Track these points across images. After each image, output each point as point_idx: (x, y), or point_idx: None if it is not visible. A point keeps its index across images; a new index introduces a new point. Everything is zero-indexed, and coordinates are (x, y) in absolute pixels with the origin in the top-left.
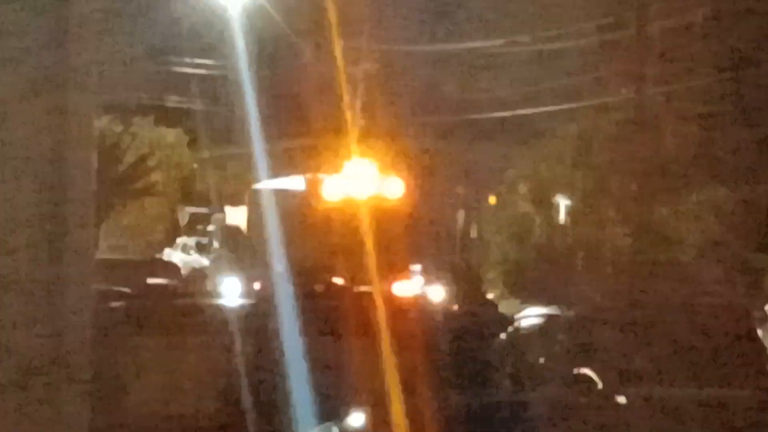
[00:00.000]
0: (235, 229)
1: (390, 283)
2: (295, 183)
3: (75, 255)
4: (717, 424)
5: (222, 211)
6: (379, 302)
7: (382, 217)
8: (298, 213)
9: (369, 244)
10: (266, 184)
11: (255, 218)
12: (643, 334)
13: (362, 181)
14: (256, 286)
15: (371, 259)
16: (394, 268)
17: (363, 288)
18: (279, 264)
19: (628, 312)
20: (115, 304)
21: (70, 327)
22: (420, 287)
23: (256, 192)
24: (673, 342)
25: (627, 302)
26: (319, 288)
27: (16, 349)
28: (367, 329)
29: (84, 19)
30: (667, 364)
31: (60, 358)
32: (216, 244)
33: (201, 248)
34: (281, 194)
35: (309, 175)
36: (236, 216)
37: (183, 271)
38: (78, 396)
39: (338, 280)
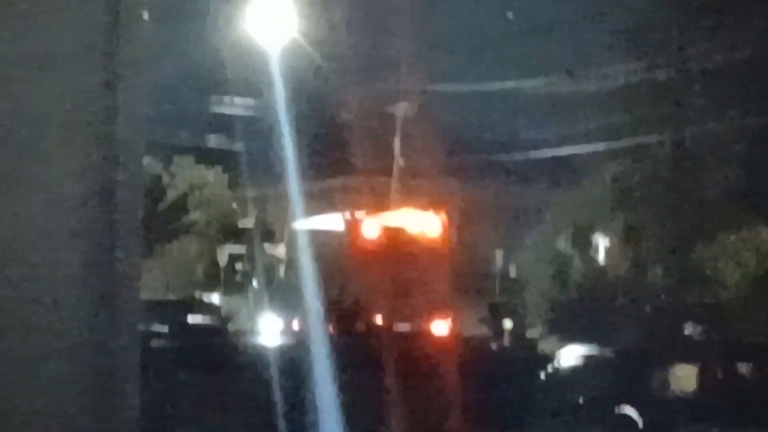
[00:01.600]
0: (274, 268)
1: (429, 323)
2: (334, 222)
3: (123, 296)
4: None
5: (261, 250)
6: (419, 342)
7: (421, 256)
8: (336, 252)
9: (408, 284)
10: (305, 223)
11: (294, 257)
12: (681, 373)
13: (401, 221)
14: (295, 325)
15: (410, 299)
16: (433, 308)
17: (402, 327)
18: (318, 303)
19: (667, 352)
20: (155, 343)
21: (119, 369)
22: (459, 327)
23: (296, 231)
24: (712, 382)
25: (666, 342)
26: (358, 327)
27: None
28: (406, 368)
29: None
30: (707, 404)
31: (107, 401)
32: (255, 284)
33: (240, 287)
34: (320, 233)
35: (348, 215)
36: (275, 255)
37: (223, 311)
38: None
39: (377, 320)
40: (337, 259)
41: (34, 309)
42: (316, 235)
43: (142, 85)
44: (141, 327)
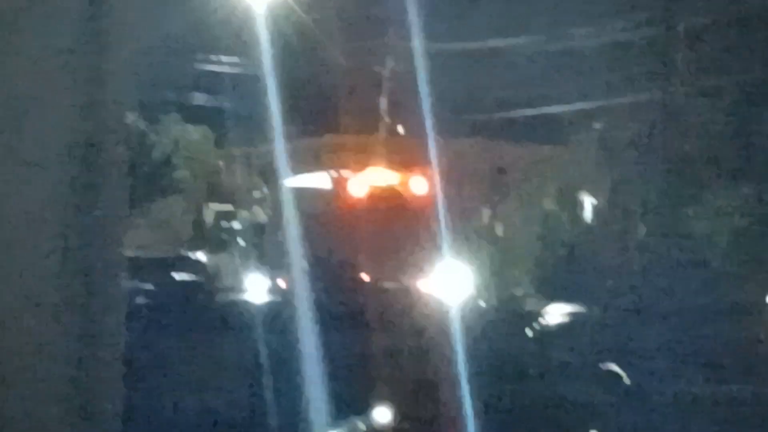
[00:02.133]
0: (261, 227)
1: (415, 280)
2: (320, 180)
3: (106, 252)
4: (737, 420)
5: (247, 208)
6: (404, 298)
7: (407, 214)
8: (323, 210)
9: (394, 241)
10: (291, 182)
11: (280, 215)
12: (667, 332)
13: (387, 179)
14: (281, 283)
15: (396, 257)
16: (418, 265)
17: (388, 284)
18: (304, 261)
19: (651, 310)
20: (140, 300)
21: (101, 324)
22: (445, 284)
23: (282, 189)
24: (697, 340)
25: (651, 301)
26: (344, 285)
27: (47, 349)
28: (392, 325)
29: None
30: (691, 362)
31: (90, 357)
32: (241, 242)
33: (226, 245)
34: (306, 191)
35: (334, 173)
36: (261, 213)
37: (209, 269)
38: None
39: (364, 277)
40: (324, 217)
41: (14, 269)
42: (302, 193)
43: (126, 41)
44: (126, 284)
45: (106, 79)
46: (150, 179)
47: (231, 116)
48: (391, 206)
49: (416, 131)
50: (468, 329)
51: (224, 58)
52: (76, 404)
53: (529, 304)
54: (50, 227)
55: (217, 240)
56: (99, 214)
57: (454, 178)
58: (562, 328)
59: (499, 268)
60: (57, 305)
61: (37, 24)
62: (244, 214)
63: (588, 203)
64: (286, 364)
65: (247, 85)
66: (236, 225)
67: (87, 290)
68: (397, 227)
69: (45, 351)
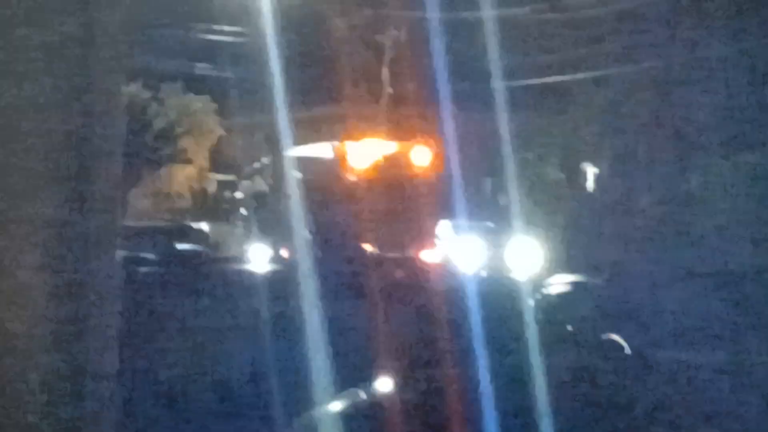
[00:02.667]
0: (263, 196)
1: (417, 250)
2: (322, 150)
3: (101, 223)
4: (740, 389)
5: (250, 178)
6: (407, 269)
7: (409, 184)
8: (325, 180)
9: (396, 211)
10: (294, 152)
11: (282, 185)
12: (671, 300)
13: (389, 149)
14: (283, 252)
15: (399, 227)
16: (421, 235)
17: (390, 254)
18: (306, 231)
19: (655, 278)
20: (143, 269)
21: (96, 295)
22: (448, 253)
23: (284, 159)
24: (702, 308)
25: (655, 269)
26: (346, 255)
27: (43, 316)
28: (394, 295)
29: None
30: (696, 331)
31: (87, 329)
32: (244, 211)
33: (229, 215)
34: (309, 161)
35: (337, 143)
36: (264, 183)
37: (211, 239)
38: (106, 362)
39: (366, 247)
40: (326, 187)
41: (8, 239)
42: (304, 163)
43: (120, 7)
44: (128, 253)
45: (96, 47)
46: (152, 149)
47: (233, 86)
48: (393, 176)
49: (418, 101)
50: (470, 299)
51: (227, 28)
52: (73, 367)
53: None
54: (44, 198)
55: (219, 210)
56: (94, 186)
57: (456, 148)
58: (564, 298)
59: (501, 237)
60: (53, 275)
61: None
62: (246, 184)
63: (591, 172)
64: (288, 333)
65: (250, 54)
66: (239, 195)
67: (83, 261)
68: (400, 197)
69: (40, 322)
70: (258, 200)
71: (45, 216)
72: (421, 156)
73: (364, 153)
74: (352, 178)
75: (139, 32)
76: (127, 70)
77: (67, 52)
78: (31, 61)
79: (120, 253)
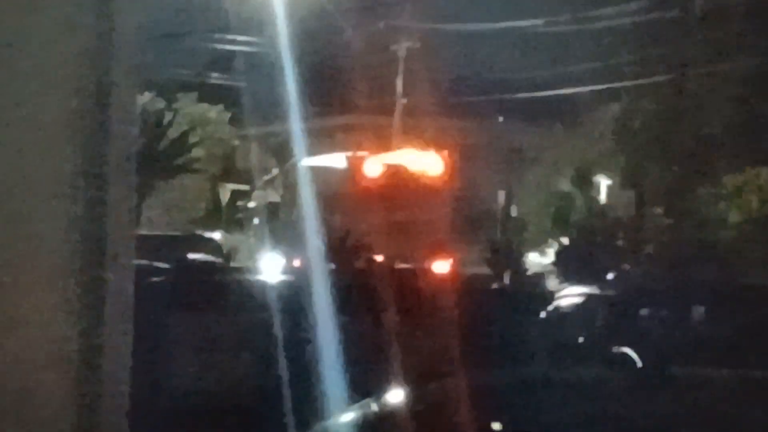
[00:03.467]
0: (276, 206)
1: (430, 261)
2: (336, 161)
3: (116, 233)
4: (754, 405)
5: (263, 188)
6: (420, 279)
7: (423, 196)
8: (339, 190)
9: (409, 222)
10: (308, 162)
11: (296, 195)
12: (682, 313)
13: (403, 160)
14: (296, 262)
15: (411, 238)
16: (434, 247)
17: (403, 265)
18: (319, 241)
19: (668, 292)
20: (155, 279)
21: (110, 306)
22: (460, 265)
23: (298, 169)
24: (713, 322)
25: (667, 282)
26: (358, 265)
27: (54, 330)
28: (407, 306)
29: None
30: (708, 344)
31: (100, 339)
32: (257, 221)
33: (242, 225)
34: (322, 171)
35: (350, 153)
36: (277, 193)
37: (225, 248)
38: (118, 371)
39: (378, 258)
40: (339, 198)
41: (24, 249)
42: (318, 173)
43: (137, 17)
44: (142, 262)
45: (113, 57)
46: (166, 159)
47: (247, 96)
48: (406, 187)
49: (432, 112)
50: (481, 310)
51: (241, 38)
52: (82, 378)
53: (544, 284)
54: (60, 208)
55: (232, 219)
56: (108, 195)
57: (469, 159)
58: (576, 310)
59: (514, 248)
60: (67, 285)
61: (42, 4)
62: (259, 193)
63: (603, 184)
64: (300, 344)
65: (264, 65)
66: (251, 204)
67: (98, 270)
68: (413, 208)
69: (53, 331)
70: (271, 210)
71: (60, 225)
72: (434, 167)
73: (377, 163)
74: (364, 188)
75: (155, 42)
76: (142, 81)
77: (84, 63)
78: (47, 72)
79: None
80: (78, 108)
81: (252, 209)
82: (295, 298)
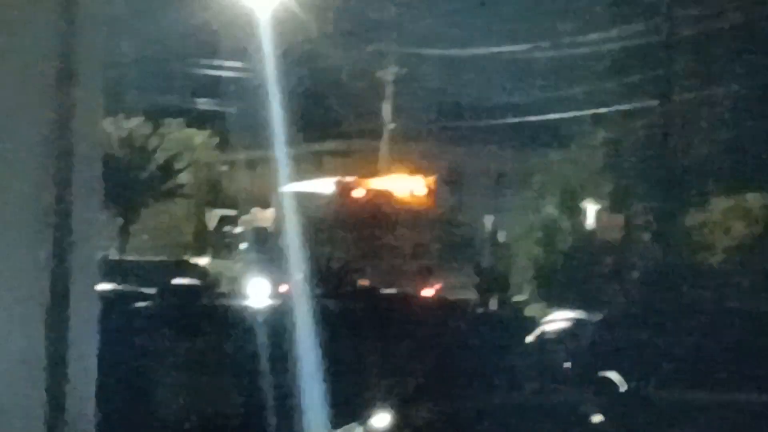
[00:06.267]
0: (263, 231)
1: (417, 286)
2: (323, 186)
3: (80, 258)
4: (739, 428)
5: (249, 212)
6: (405, 305)
7: (409, 221)
8: (324, 216)
9: (395, 247)
10: (295, 187)
11: (283, 220)
12: (669, 338)
13: (389, 186)
14: (283, 288)
15: (397, 263)
16: (419, 272)
17: (388, 290)
18: (305, 266)
19: (654, 317)
20: (141, 304)
21: (75, 331)
22: (447, 290)
23: (285, 194)
24: (700, 347)
25: (654, 307)
26: (344, 290)
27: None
28: (392, 331)
29: (92, 19)
30: (693, 368)
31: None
32: (243, 246)
33: (229, 250)
34: (309, 197)
35: (337, 179)
36: (264, 218)
37: (211, 273)
38: (84, 402)
39: (364, 283)
40: (325, 223)
41: None
42: (304, 199)
43: (100, 40)
44: (128, 288)
45: (79, 84)
46: (153, 184)
47: (234, 121)
48: (392, 212)
49: (418, 137)
50: (468, 335)
51: (228, 64)
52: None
53: (530, 310)
54: (26, 231)
55: (219, 244)
56: (73, 219)
57: (456, 184)
58: (562, 335)
59: (500, 274)
60: (32, 309)
61: (11, 27)
62: (246, 218)
63: (591, 209)
64: (286, 369)
65: (251, 90)
66: (238, 230)
67: (63, 293)
68: (399, 233)
69: (19, 357)
70: (258, 235)
71: (24, 254)
72: (420, 192)
73: (364, 189)
74: (351, 214)
75: (142, 67)
76: (105, 109)
77: (47, 88)
78: (10, 98)
79: (119, 287)
80: (41, 133)
81: (238, 234)
82: (280, 323)
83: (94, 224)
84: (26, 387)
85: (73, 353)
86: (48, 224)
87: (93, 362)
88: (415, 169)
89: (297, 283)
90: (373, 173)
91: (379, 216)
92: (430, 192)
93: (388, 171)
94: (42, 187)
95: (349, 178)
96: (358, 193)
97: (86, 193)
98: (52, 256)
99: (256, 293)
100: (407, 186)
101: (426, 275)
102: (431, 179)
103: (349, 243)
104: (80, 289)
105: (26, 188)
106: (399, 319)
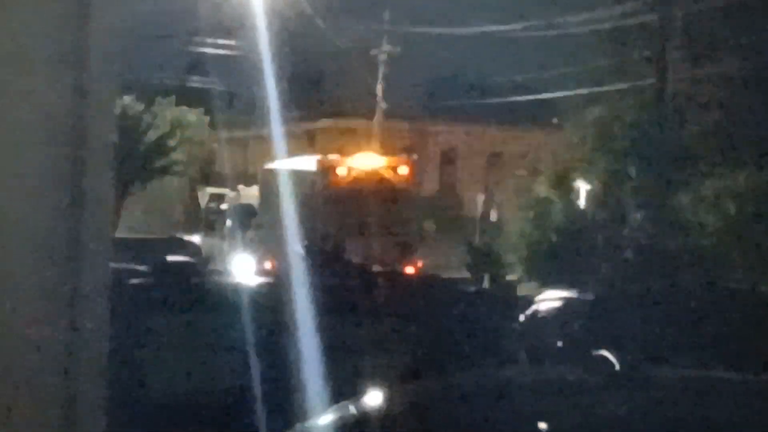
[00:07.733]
0: (247, 208)
1: (403, 263)
2: (308, 163)
3: (93, 235)
4: (731, 408)
5: (236, 189)
6: (394, 283)
7: (398, 198)
8: (313, 193)
9: (383, 224)
10: (279, 164)
11: (267, 197)
12: (660, 317)
13: (379, 163)
14: (270, 264)
15: (384, 240)
16: (405, 249)
17: (376, 267)
18: (293, 243)
19: (645, 296)
20: (134, 281)
21: (86, 307)
22: (440, 269)
23: (269, 171)
24: (691, 326)
25: (645, 287)
26: (332, 267)
27: (30, 330)
28: (381, 309)
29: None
30: (684, 348)
31: (75, 342)
32: (229, 223)
33: (220, 228)
34: (297, 174)
35: (326, 156)
36: (249, 195)
37: (203, 251)
38: (95, 376)
39: (351, 260)
40: (313, 200)
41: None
42: (293, 176)
43: (114, 21)
44: (122, 265)
45: (90, 61)
46: (145, 161)
47: (226, 99)
48: (381, 190)
49: (411, 115)
50: (458, 313)
51: (221, 42)
52: (62, 385)
53: (523, 289)
54: (37, 210)
55: (210, 222)
56: (85, 198)
57: (449, 163)
58: (555, 313)
59: (493, 252)
60: (44, 287)
61: (18, 9)
62: (235, 196)
63: (582, 189)
64: (277, 347)
65: (243, 68)
66: (224, 206)
67: (75, 272)
68: (387, 211)
69: (32, 336)
70: (243, 212)
71: (36, 227)
72: (412, 171)
73: (353, 167)
74: (334, 191)
75: (134, 44)
76: (120, 85)
77: (61, 66)
78: (24, 75)
79: (113, 265)
80: (55, 111)
81: (224, 212)
82: (271, 300)
83: (108, 202)
84: (35, 367)
85: (84, 333)
86: (60, 203)
87: (105, 340)
88: (406, 148)
89: (285, 260)
90: (366, 152)
91: (367, 193)
92: (411, 171)
93: (380, 149)
94: (54, 165)
95: (331, 156)
96: (346, 171)
97: (98, 172)
98: (63, 235)
99: (245, 270)
100: (396, 164)
101: (406, 253)
102: (413, 158)
103: (335, 220)
104: (93, 268)
105: (37, 165)
106: (390, 296)
